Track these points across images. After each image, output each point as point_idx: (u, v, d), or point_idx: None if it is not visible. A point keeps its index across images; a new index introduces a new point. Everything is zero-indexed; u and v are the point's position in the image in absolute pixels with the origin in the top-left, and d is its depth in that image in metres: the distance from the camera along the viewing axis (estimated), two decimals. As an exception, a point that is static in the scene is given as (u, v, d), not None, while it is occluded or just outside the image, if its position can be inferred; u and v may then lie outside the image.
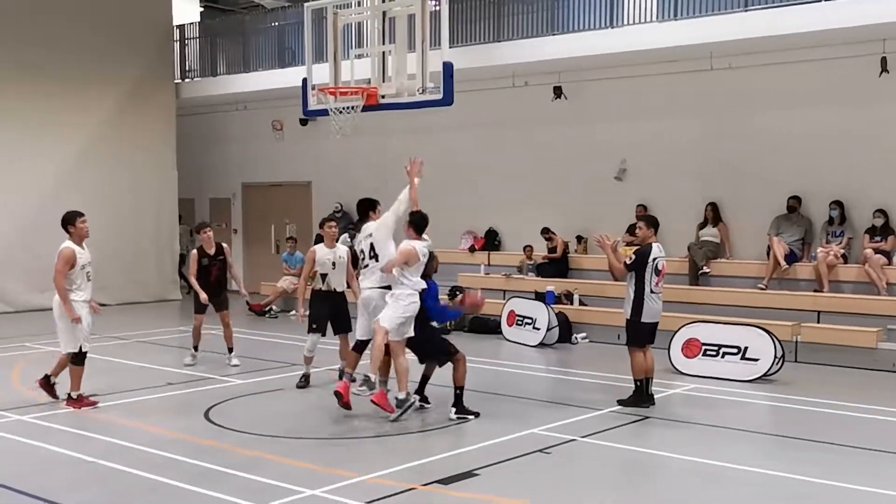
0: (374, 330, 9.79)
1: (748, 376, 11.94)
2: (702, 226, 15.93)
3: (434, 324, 10.24)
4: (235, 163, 23.56)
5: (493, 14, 17.49)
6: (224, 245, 13.17)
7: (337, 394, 9.62)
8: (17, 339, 15.35)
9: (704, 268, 15.41)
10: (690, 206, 16.00)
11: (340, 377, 11.78)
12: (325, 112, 11.18)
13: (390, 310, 9.60)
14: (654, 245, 10.34)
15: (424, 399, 10.17)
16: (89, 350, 10.33)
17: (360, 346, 10.38)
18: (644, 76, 16.42)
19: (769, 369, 11.93)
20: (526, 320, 15.38)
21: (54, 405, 10.31)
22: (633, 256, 10.33)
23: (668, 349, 12.58)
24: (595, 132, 17.33)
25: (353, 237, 18.69)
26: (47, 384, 10.52)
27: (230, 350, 13.00)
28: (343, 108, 10.85)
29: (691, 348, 12.56)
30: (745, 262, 15.49)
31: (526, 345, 15.07)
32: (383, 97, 10.83)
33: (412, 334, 9.75)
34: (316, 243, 12.16)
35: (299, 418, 10.04)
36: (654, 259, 10.24)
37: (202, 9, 26.66)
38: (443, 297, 11.17)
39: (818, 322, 13.73)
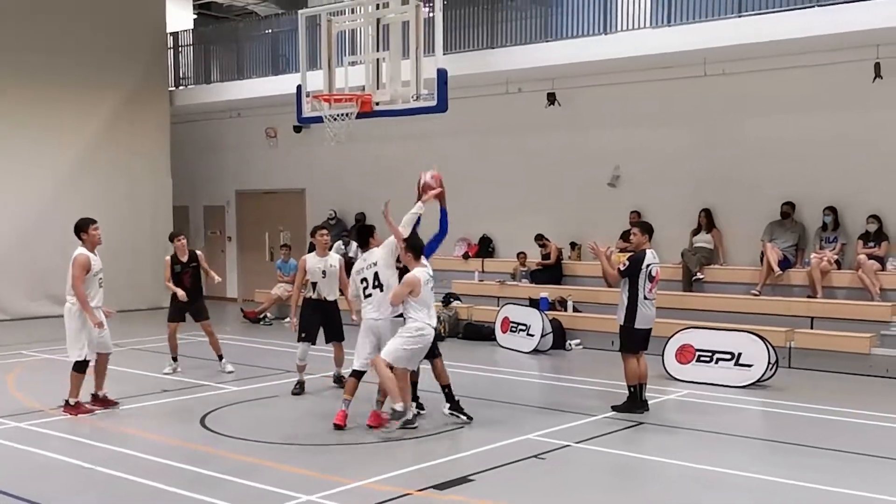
0: (373, 364, 9.41)
1: (742, 382, 11.97)
2: (695, 232, 15.96)
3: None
4: (229, 170, 23.57)
5: (486, 21, 17.51)
6: (198, 252, 13.22)
7: (336, 426, 9.51)
8: (14, 346, 15.34)
9: (698, 274, 15.42)
10: (684, 212, 16.02)
11: (335, 381, 11.83)
12: (319, 119, 11.21)
13: (393, 343, 9.34)
14: (649, 251, 10.38)
15: (420, 406, 10.16)
16: (92, 359, 10.34)
17: (359, 374, 9.76)
18: (638, 82, 16.45)
19: (763, 375, 11.96)
20: (520, 327, 15.41)
21: (54, 412, 10.28)
22: (627, 263, 10.36)
23: (662, 355, 12.60)
24: (589, 138, 17.36)
25: (346, 244, 18.83)
26: (100, 400, 10.54)
27: (220, 357, 13.01)
28: (337, 116, 10.86)
29: (685, 354, 12.59)
30: (738, 269, 15.50)
31: (520, 351, 15.11)
32: (377, 104, 10.83)
33: (414, 369, 9.68)
34: (310, 251, 12.18)
35: (295, 425, 10.05)
36: (648, 265, 10.28)
37: (195, 16, 26.65)
38: (437, 305, 11.11)
39: (812, 328, 13.76)
